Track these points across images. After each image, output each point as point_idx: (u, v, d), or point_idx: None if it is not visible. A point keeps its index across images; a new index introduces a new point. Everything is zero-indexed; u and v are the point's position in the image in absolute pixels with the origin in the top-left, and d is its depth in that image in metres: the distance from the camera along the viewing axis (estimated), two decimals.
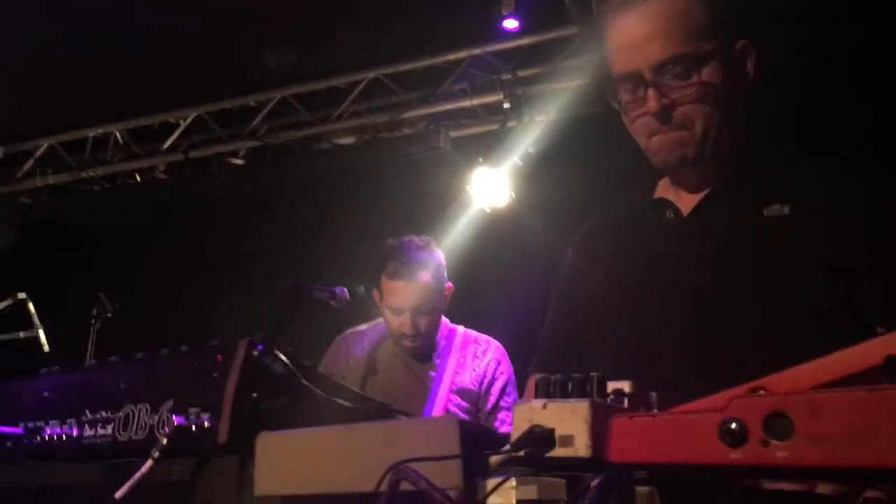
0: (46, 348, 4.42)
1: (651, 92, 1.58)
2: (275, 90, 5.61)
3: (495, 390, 3.18)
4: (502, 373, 3.22)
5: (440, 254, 3.26)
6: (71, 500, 1.38)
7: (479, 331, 3.42)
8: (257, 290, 5.09)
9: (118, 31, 5.00)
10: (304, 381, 1.20)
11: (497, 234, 4.85)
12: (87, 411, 1.37)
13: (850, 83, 4.02)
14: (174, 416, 1.20)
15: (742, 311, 1.58)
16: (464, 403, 3.14)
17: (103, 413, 1.34)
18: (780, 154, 1.73)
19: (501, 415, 3.17)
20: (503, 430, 3.10)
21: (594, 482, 0.84)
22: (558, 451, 0.88)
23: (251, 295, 5.21)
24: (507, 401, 3.20)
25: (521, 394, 3.35)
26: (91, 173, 6.14)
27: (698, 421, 0.75)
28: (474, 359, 3.23)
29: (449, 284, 3.26)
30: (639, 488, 0.86)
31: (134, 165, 6.11)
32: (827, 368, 0.82)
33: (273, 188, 5.66)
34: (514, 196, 4.82)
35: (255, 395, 1.14)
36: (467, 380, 3.17)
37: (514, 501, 0.90)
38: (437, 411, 3.08)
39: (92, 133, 6.11)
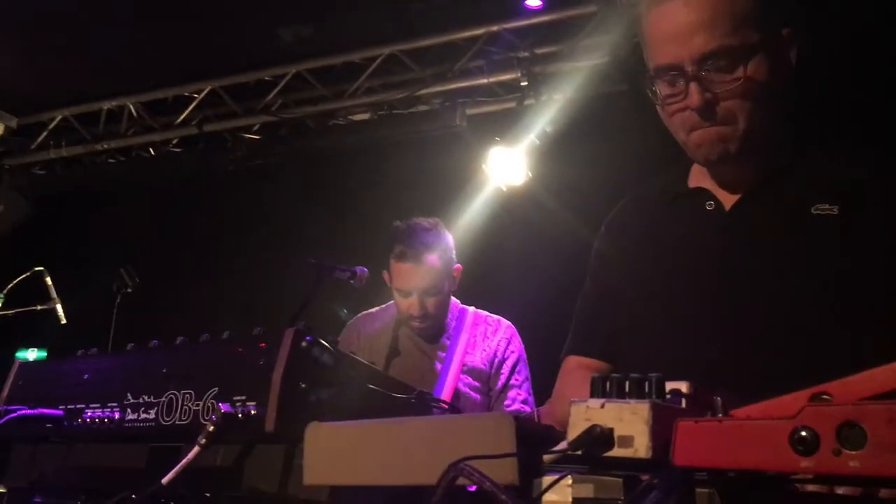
0: (63, 320, 4.46)
1: (693, 86, 1.54)
2: (290, 65, 5.58)
3: (505, 369, 3.20)
4: (512, 351, 3.24)
5: (448, 235, 3.27)
6: (114, 481, 1.39)
7: (493, 310, 3.44)
8: (271, 266, 5.10)
9: (133, 3, 4.98)
10: (350, 372, 1.21)
11: (513, 213, 4.85)
12: (129, 395, 1.38)
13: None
14: (220, 404, 1.21)
15: (787, 311, 1.56)
16: (474, 383, 3.16)
17: (146, 398, 1.35)
18: (828, 153, 1.69)
19: (512, 393, 3.19)
20: (513, 408, 3.12)
21: (653, 482, 0.85)
22: (617, 452, 0.88)
23: (266, 270, 5.23)
24: (517, 379, 3.22)
25: (532, 373, 3.36)
26: (105, 146, 6.14)
27: (769, 428, 0.75)
28: (484, 338, 3.25)
29: (457, 266, 3.28)
30: (699, 489, 0.86)
31: (148, 139, 6.10)
32: (892, 375, 0.82)
33: (287, 163, 5.66)
34: (530, 175, 4.81)
35: (303, 385, 1.15)
36: (478, 359, 3.19)
37: (570, 500, 0.91)
38: (447, 391, 3.10)
39: (106, 105, 6.10)
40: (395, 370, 3.21)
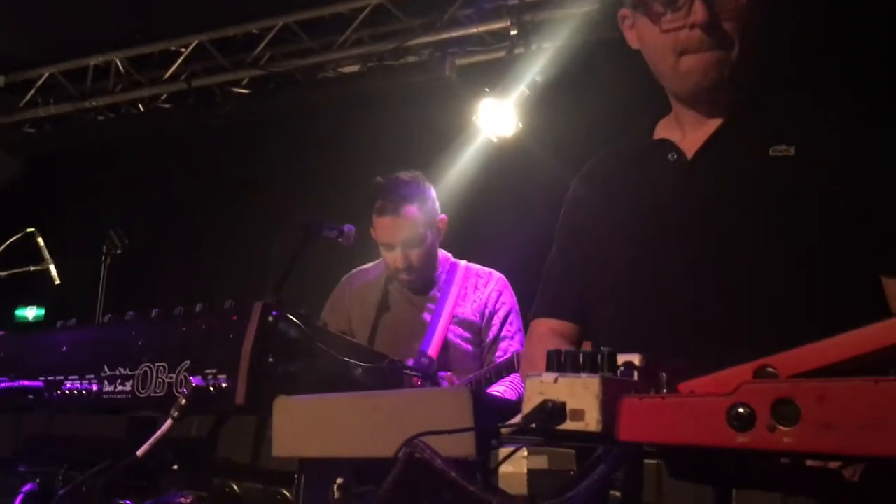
0: (57, 281, 4.48)
1: (698, 2, 1.52)
2: (277, 16, 5.51)
3: (497, 321, 3.22)
4: (504, 303, 3.25)
5: (429, 187, 3.26)
6: (95, 450, 1.42)
7: (484, 262, 3.45)
8: (263, 222, 5.10)
9: None
10: (319, 345, 1.22)
11: (504, 165, 4.83)
12: (105, 367, 1.40)
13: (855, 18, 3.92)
14: (191, 377, 1.23)
15: (745, 254, 1.57)
16: (465, 334, 3.19)
17: (122, 370, 1.37)
18: (788, 93, 1.70)
19: (503, 345, 3.21)
20: (505, 360, 3.15)
21: (602, 454, 0.87)
22: (569, 425, 0.90)
23: (257, 225, 5.23)
24: (509, 330, 3.23)
25: (525, 328, 3.40)
26: (94, 103, 6.09)
27: (707, 404, 0.76)
28: (475, 290, 3.26)
29: (442, 217, 3.29)
30: (647, 461, 0.88)
31: (136, 95, 6.05)
32: (838, 348, 0.83)
33: (277, 118, 5.62)
34: (521, 126, 4.77)
35: (270, 359, 1.16)
36: (469, 311, 3.21)
37: (525, 470, 0.93)
38: (435, 342, 3.13)
39: (93, 62, 6.04)
40: (384, 324, 3.24)
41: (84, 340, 1.50)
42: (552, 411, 0.90)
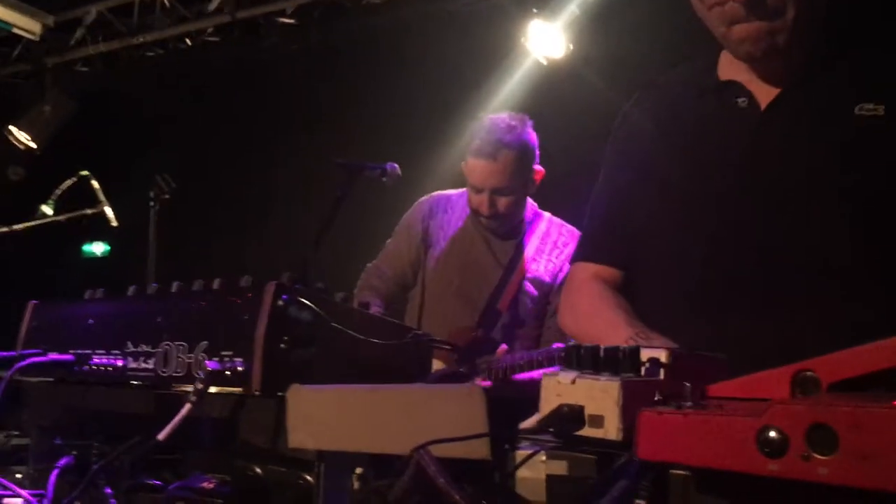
0: (114, 223, 4.52)
1: None
2: None
3: None
4: None
5: (531, 135, 3.10)
6: (126, 424, 1.42)
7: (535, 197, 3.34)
8: (312, 158, 5.06)
9: None
10: (334, 325, 1.17)
11: (554, 89, 4.66)
12: (129, 343, 1.38)
13: None
14: (207, 362, 1.19)
15: (820, 218, 1.45)
16: (534, 292, 3.09)
17: (144, 347, 1.35)
18: (877, 47, 1.53)
19: None
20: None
21: (623, 465, 0.80)
22: (588, 431, 0.84)
23: (308, 161, 5.20)
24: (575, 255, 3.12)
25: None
26: (141, 39, 6.06)
27: (734, 425, 0.68)
28: (554, 248, 3.14)
29: (539, 169, 3.13)
30: (675, 472, 0.81)
31: (182, 29, 6.00)
32: (888, 352, 0.74)
33: (321, 48, 5.50)
34: (571, 48, 4.58)
35: (282, 345, 1.12)
36: (542, 269, 3.11)
37: (543, 476, 0.87)
38: (506, 296, 3.04)
39: None
40: (460, 262, 3.15)
41: (109, 314, 1.49)
42: (569, 416, 0.84)
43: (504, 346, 2.95)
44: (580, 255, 1.86)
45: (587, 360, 0.88)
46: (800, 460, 0.65)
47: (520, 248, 3.12)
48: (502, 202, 3.03)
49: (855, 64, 1.51)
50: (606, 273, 1.77)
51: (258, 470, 1.20)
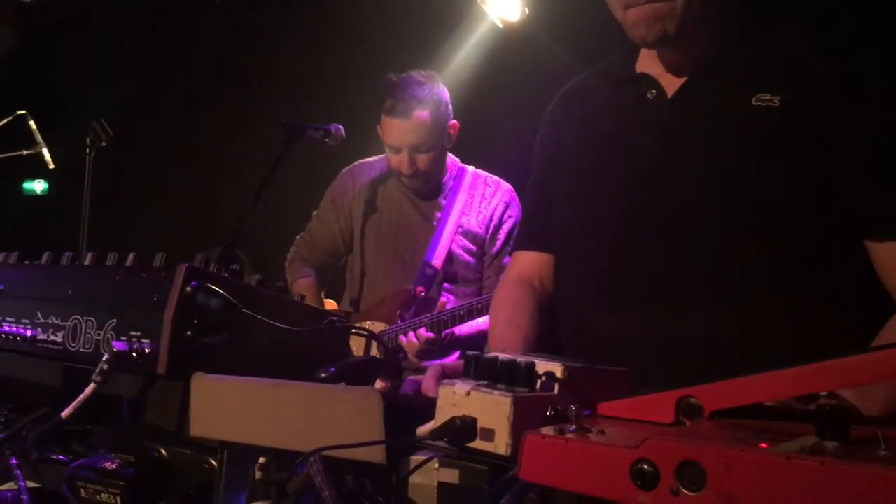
0: (51, 165, 4.40)
1: None
2: None
3: (502, 234, 3.13)
4: (510, 216, 3.15)
5: (443, 90, 3.10)
6: (30, 394, 1.40)
7: (488, 158, 3.33)
8: (257, 114, 4.96)
9: None
10: (245, 311, 1.16)
11: (509, 53, 4.61)
12: (38, 314, 1.35)
13: None
14: (115, 342, 1.17)
15: (710, 213, 1.50)
16: (469, 245, 3.11)
17: (53, 319, 1.33)
18: (778, 36, 1.57)
19: (506, 260, 3.14)
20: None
21: (509, 481, 0.81)
22: (479, 444, 0.85)
23: (252, 117, 5.09)
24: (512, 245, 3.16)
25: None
26: None
27: (610, 454, 0.69)
28: (482, 200, 3.16)
29: (453, 122, 3.14)
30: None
31: None
32: (769, 385, 0.75)
33: (263, 9, 5.35)
34: (527, 12, 4.52)
35: (188, 333, 1.10)
36: (474, 222, 3.13)
37: (435, 483, 0.88)
38: (440, 252, 3.06)
39: None
40: (389, 227, 3.16)
41: (20, 280, 1.45)
42: (461, 428, 0.84)
43: (443, 300, 2.97)
44: (517, 244, 1.95)
45: (484, 370, 0.88)
46: (669, 494, 0.67)
47: (448, 206, 3.13)
48: (422, 159, 3.04)
49: (754, 54, 1.54)
50: (538, 261, 1.83)
51: (163, 451, 1.19)
